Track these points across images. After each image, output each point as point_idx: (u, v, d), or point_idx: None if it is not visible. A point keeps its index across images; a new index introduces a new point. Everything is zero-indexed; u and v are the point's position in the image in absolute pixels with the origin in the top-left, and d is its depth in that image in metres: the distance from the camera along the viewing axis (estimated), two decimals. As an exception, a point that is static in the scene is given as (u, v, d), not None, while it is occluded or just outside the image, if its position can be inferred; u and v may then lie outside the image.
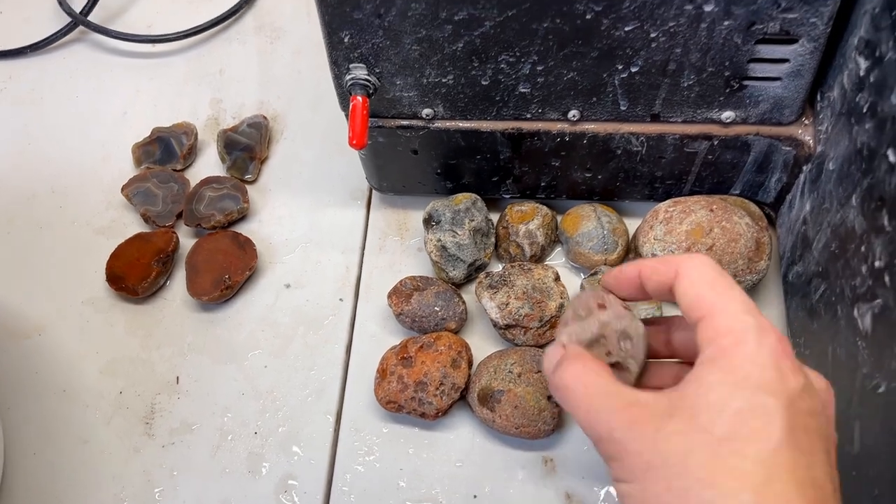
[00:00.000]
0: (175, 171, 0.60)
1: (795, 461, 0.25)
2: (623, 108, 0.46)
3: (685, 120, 0.46)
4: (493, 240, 0.54)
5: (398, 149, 0.51)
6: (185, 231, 0.58)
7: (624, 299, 0.36)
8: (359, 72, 0.45)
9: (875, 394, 0.35)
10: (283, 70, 0.66)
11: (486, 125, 0.48)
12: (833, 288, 0.41)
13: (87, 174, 0.62)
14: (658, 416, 0.28)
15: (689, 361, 0.35)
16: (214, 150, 0.62)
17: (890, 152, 0.34)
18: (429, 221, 0.53)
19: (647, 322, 0.36)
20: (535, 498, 0.47)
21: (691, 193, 0.53)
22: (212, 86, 0.65)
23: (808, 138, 0.46)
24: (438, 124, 0.49)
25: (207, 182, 0.58)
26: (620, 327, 0.35)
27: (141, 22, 0.69)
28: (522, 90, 0.45)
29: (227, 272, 0.54)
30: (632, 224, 0.54)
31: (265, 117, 0.62)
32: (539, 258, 0.54)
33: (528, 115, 0.47)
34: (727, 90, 0.44)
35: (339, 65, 0.45)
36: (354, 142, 0.45)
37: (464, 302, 0.51)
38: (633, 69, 0.43)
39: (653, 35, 0.41)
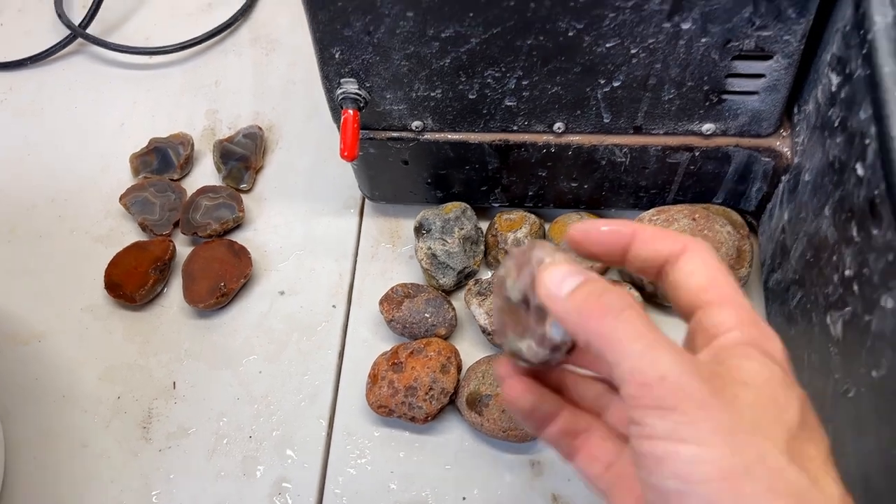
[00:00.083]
0: (172, 180, 0.61)
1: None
2: (606, 120, 0.47)
3: (667, 132, 0.48)
4: (482, 248, 0.55)
5: (389, 159, 0.53)
6: (182, 239, 0.59)
7: (592, 258, 0.31)
8: (349, 86, 0.46)
9: (846, 398, 0.37)
10: (278, 81, 0.67)
11: (474, 137, 0.50)
12: (808, 295, 0.43)
13: (86, 184, 0.63)
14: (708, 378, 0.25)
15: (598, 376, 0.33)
16: (210, 160, 0.63)
17: (858, 166, 0.36)
18: (419, 230, 0.54)
19: None
20: (522, 500, 0.48)
21: (675, 202, 0.54)
22: (208, 97, 0.67)
23: (786, 150, 0.47)
24: (428, 136, 0.50)
25: (203, 191, 0.60)
26: None
27: (139, 34, 0.71)
28: (508, 103, 0.47)
29: (223, 280, 0.55)
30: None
31: (260, 128, 0.63)
32: (527, 266, 0.55)
33: (515, 128, 0.49)
34: (707, 103, 0.45)
35: (330, 79, 0.47)
36: (346, 154, 0.46)
37: (453, 308, 0.53)
38: (615, 84, 0.44)
39: (633, 51, 0.42)
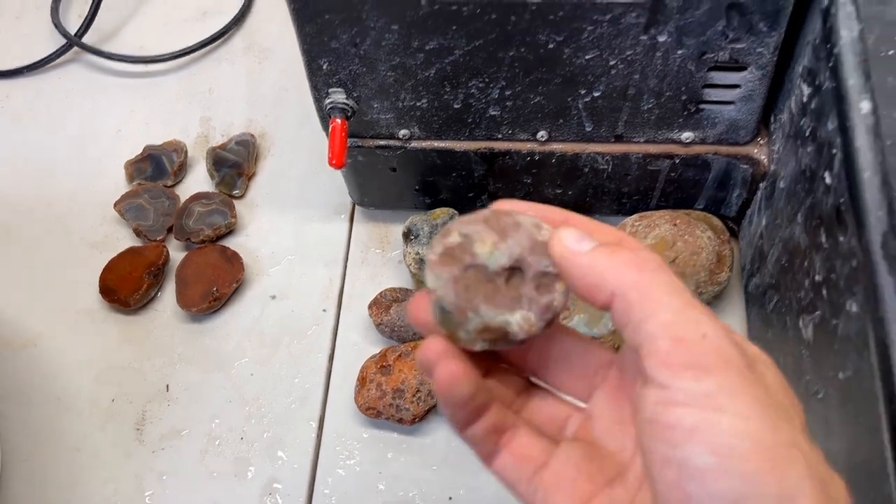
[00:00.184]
0: (166, 187, 0.63)
1: None
2: (588, 129, 0.48)
3: (647, 140, 0.49)
4: (469, 253, 0.56)
5: (378, 167, 0.54)
6: (176, 245, 0.61)
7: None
8: (337, 96, 0.48)
9: (816, 399, 0.38)
10: (271, 89, 0.68)
11: (459, 145, 0.51)
12: (783, 299, 0.44)
13: (82, 190, 0.65)
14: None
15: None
16: (204, 166, 0.64)
17: (826, 175, 0.37)
18: (408, 235, 0.55)
19: None
20: (508, 499, 0.49)
21: (658, 208, 0.55)
22: (202, 105, 0.68)
23: (763, 157, 0.48)
24: (415, 144, 0.51)
25: (197, 198, 0.61)
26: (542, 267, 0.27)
27: (134, 43, 0.72)
28: (493, 113, 0.48)
29: (216, 284, 0.56)
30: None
31: (253, 135, 0.64)
32: (513, 270, 0.56)
33: (500, 136, 0.50)
34: (685, 113, 0.47)
35: (318, 89, 0.48)
36: (333, 162, 0.47)
37: (441, 313, 0.54)
38: (596, 94, 0.46)
39: (612, 63, 0.43)
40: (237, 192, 0.62)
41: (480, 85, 0.46)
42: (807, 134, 0.40)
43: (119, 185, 0.64)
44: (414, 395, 0.50)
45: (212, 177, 0.63)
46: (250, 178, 0.63)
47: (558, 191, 0.55)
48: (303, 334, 0.57)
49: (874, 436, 0.30)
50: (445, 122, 0.49)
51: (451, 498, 0.50)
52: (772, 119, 0.47)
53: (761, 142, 0.49)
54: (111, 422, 0.54)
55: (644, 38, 0.41)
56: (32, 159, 0.67)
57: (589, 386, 0.29)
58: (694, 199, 0.54)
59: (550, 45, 0.43)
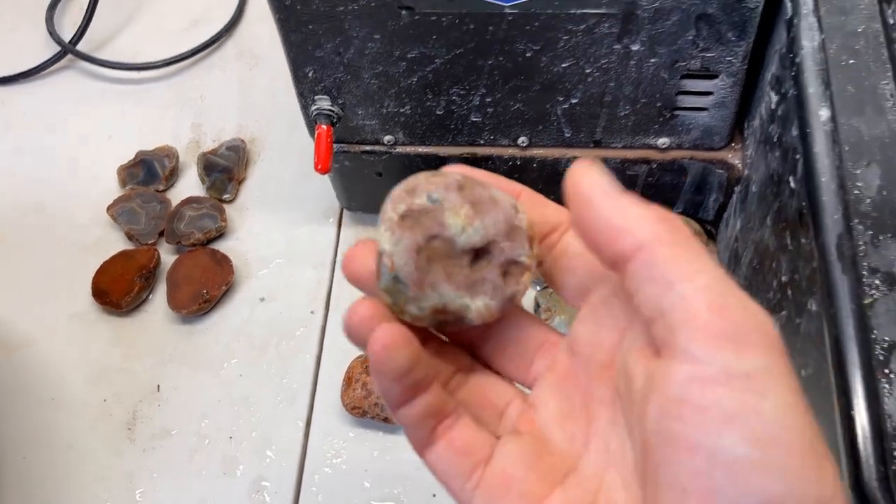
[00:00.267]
0: (157, 191, 0.64)
1: None
2: (567, 135, 0.50)
3: (625, 145, 0.50)
4: (453, 256, 0.58)
5: (364, 171, 0.55)
6: (167, 248, 0.62)
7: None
8: (323, 103, 0.49)
9: (783, 396, 0.39)
10: (261, 95, 0.70)
11: (443, 150, 0.52)
12: (755, 300, 0.45)
13: (75, 194, 0.66)
14: None
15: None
16: (195, 171, 0.65)
17: (791, 179, 0.38)
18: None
19: None
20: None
21: (638, 212, 0.57)
22: (193, 111, 0.69)
23: (737, 162, 0.50)
24: (399, 149, 0.53)
25: (188, 202, 0.62)
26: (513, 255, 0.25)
27: (127, 50, 0.73)
28: (474, 119, 0.49)
29: (205, 287, 0.58)
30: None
31: (243, 140, 0.66)
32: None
33: (482, 141, 0.51)
34: (660, 119, 0.48)
35: (305, 96, 0.49)
36: (319, 167, 0.49)
37: (425, 314, 0.55)
38: (573, 100, 0.47)
39: (588, 71, 0.45)
40: (227, 196, 0.63)
41: (461, 92, 0.47)
42: (774, 139, 0.42)
43: (112, 189, 0.65)
44: (398, 395, 0.51)
45: (203, 181, 0.64)
46: (240, 182, 0.65)
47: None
48: (291, 335, 0.58)
49: (831, 430, 0.31)
50: (429, 128, 0.51)
51: (434, 495, 0.51)
52: (745, 125, 0.49)
53: (736, 147, 0.50)
54: (103, 421, 0.55)
55: (618, 47, 0.43)
56: (27, 164, 0.68)
57: (530, 367, 0.27)
58: (672, 202, 0.55)
59: (528, 54, 0.44)
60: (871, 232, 0.32)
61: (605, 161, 0.51)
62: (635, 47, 0.43)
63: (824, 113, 0.35)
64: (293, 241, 0.62)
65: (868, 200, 0.33)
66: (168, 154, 0.65)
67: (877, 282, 0.31)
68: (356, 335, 0.24)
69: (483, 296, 0.25)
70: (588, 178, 0.22)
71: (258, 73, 0.71)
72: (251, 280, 0.60)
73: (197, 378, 0.57)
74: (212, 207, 0.62)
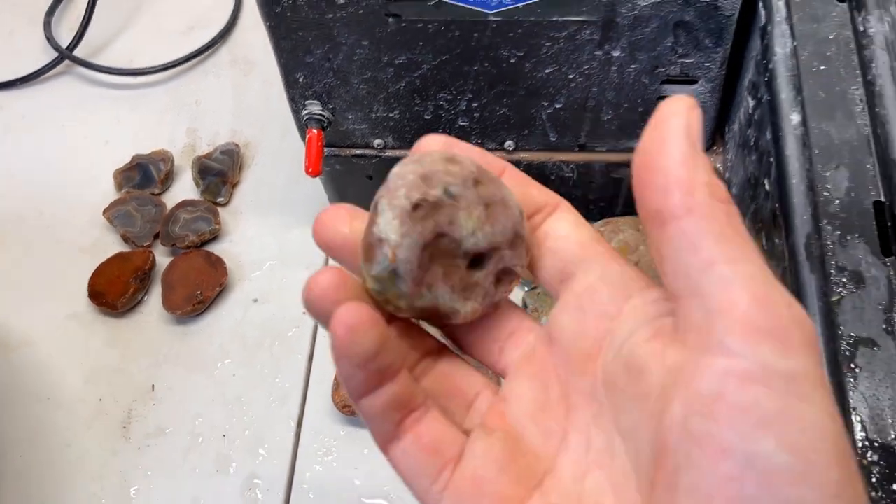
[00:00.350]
0: (153, 194, 0.65)
1: None
2: (553, 139, 0.51)
3: (609, 149, 0.52)
4: (443, 257, 0.59)
5: (355, 175, 0.56)
6: (162, 250, 0.63)
7: None
8: (314, 108, 0.50)
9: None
10: (256, 100, 0.71)
11: (431, 154, 0.53)
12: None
13: (72, 197, 0.67)
14: None
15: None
16: (190, 175, 0.66)
17: (766, 182, 0.39)
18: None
19: None
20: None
21: (624, 214, 0.58)
22: (189, 115, 0.71)
23: (718, 165, 0.51)
24: (389, 153, 0.54)
25: (182, 205, 0.63)
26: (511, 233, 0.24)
27: (123, 56, 0.74)
28: (462, 123, 0.50)
29: (200, 288, 0.59)
30: (571, 242, 0.59)
31: (237, 145, 0.67)
32: (485, 274, 0.59)
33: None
34: (643, 123, 0.49)
35: (296, 101, 0.50)
36: (310, 170, 0.50)
37: (415, 315, 0.56)
38: (558, 105, 0.48)
39: (571, 76, 0.46)
40: (222, 199, 0.64)
41: (448, 97, 0.48)
42: (751, 143, 0.43)
43: (108, 192, 0.66)
44: (388, 393, 0.52)
45: (197, 185, 0.65)
46: (235, 185, 0.66)
47: (528, 198, 0.57)
48: (283, 336, 0.59)
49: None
50: (417, 132, 0.52)
51: (423, 492, 0.52)
52: (726, 129, 0.50)
53: (717, 151, 0.51)
54: (98, 420, 0.56)
55: (599, 53, 0.44)
56: (25, 168, 0.69)
57: (501, 353, 0.25)
58: (657, 205, 0.56)
59: (512, 60, 0.45)
60: (838, 232, 0.33)
61: (591, 164, 0.53)
62: (616, 53, 0.44)
63: (795, 117, 0.36)
64: (286, 244, 0.63)
65: (837, 202, 0.34)
66: (164, 158, 0.66)
67: (844, 280, 0.32)
68: (317, 309, 0.22)
69: (473, 301, 0.24)
70: (679, 118, 0.20)
71: (252, 78, 0.72)
72: (244, 282, 0.61)
73: (191, 378, 0.58)
74: (206, 210, 0.63)
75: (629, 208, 0.57)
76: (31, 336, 0.60)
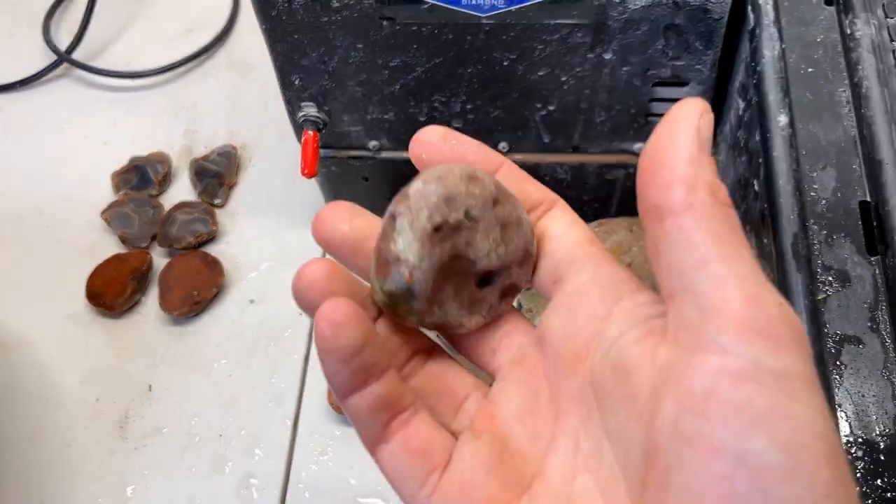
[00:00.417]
0: (151, 196, 0.65)
1: None
2: (546, 140, 0.51)
3: (602, 151, 0.52)
4: (438, 258, 0.59)
5: (350, 176, 0.57)
6: (159, 251, 0.63)
7: None
8: (309, 110, 0.50)
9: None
10: (253, 103, 0.71)
11: (426, 156, 0.54)
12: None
13: (71, 199, 0.67)
14: None
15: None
16: (187, 177, 0.67)
17: (755, 182, 0.40)
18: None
19: None
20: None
21: (617, 215, 0.58)
22: (186, 118, 0.71)
23: (710, 167, 0.51)
24: (385, 155, 0.54)
25: (180, 207, 0.64)
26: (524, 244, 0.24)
27: (121, 59, 0.75)
28: (456, 125, 0.51)
29: (196, 289, 0.59)
30: (565, 243, 0.60)
31: (234, 147, 0.67)
32: (480, 275, 0.59)
33: (464, 147, 0.53)
34: (635, 125, 0.49)
35: (292, 104, 0.51)
36: (305, 171, 0.50)
37: (410, 315, 0.57)
38: (551, 107, 0.49)
39: (563, 79, 0.46)
40: (218, 201, 0.65)
41: (443, 99, 0.49)
42: (742, 145, 0.43)
43: (106, 194, 0.67)
44: (383, 393, 0.53)
45: (194, 186, 0.66)
46: (231, 187, 0.66)
47: (522, 199, 0.57)
48: (280, 337, 0.59)
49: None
50: (412, 133, 0.51)
51: (418, 491, 0.52)
52: (717, 131, 0.50)
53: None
54: (96, 420, 0.57)
55: (591, 55, 0.44)
56: (24, 170, 0.70)
57: (494, 354, 0.25)
58: (650, 206, 0.57)
59: (505, 63, 0.46)
60: (825, 232, 0.33)
61: (584, 166, 0.53)
62: (608, 56, 0.44)
63: (783, 119, 0.36)
64: (282, 245, 0.63)
65: (823, 202, 0.34)
66: (161, 160, 0.67)
67: (830, 279, 0.32)
68: (305, 300, 0.22)
69: (479, 315, 0.25)
70: (691, 119, 0.19)
71: (249, 81, 0.73)
72: (241, 283, 0.62)
73: (188, 378, 0.58)
74: (203, 212, 0.63)
75: (623, 210, 0.58)
76: (29, 336, 0.61)
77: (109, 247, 0.64)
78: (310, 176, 0.50)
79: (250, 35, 0.76)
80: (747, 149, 0.42)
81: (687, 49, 0.43)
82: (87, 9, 0.72)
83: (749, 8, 0.41)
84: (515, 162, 0.54)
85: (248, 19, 0.77)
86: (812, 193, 0.34)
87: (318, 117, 0.51)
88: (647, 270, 0.53)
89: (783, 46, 0.38)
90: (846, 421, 0.29)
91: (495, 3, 0.42)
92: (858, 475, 0.28)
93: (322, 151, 0.53)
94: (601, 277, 0.23)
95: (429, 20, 0.43)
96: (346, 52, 0.46)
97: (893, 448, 0.29)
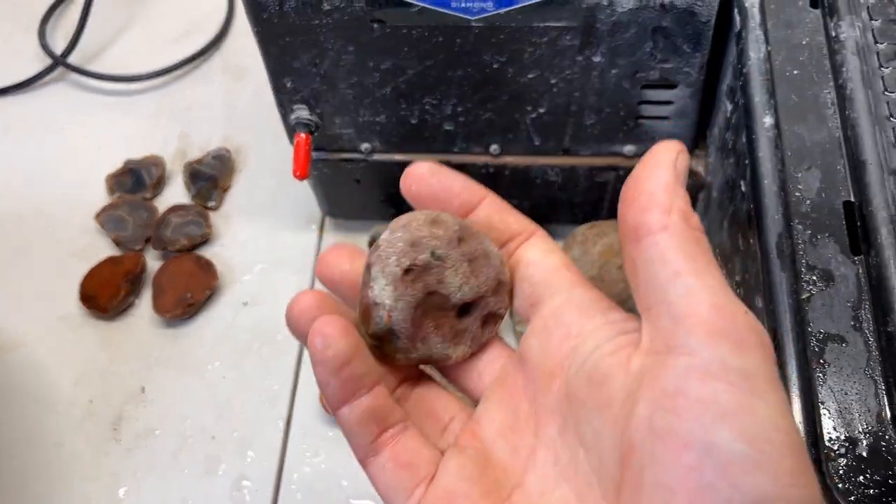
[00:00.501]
0: (145, 199, 0.66)
1: None
2: (537, 143, 0.52)
3: (593, 153, 0.52)
4: (431, 261, 0.60)
5: (343, 178, 0.57)
6: (153, 254, 0.63)
7: (431, 205, 0.27)
8: (301, 112, 0.51)
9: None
10: (247, 106, 0.72)
11: (418, 158, 0.54)
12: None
13: (65, 202, 0.68)
14: None
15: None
16: (181, 180, 0.67)
17: (742, 183, 0.40)
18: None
19: None
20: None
21: (609, 217, 0.59)
22: (181, 121, 0.71)
23: (700, 169, 0.52)
24: (377, 157, 0.54)
25: (174, 210, 0.64)
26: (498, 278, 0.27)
27: (117, 63, 0.75)
28: (447, 128, 0.51)
29: (190, 291, 0.59)
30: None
31: (228, 150, 0.68)
32: (472, 277, 0.59)
33: (456, 149, 0.53)
34: (625, 127, 0.50)
35: (284, 106, 0.51)
36: (297, 173, 0.50)
37: (402, 317, 0.57)
38: (541, 110, 0.49)
39: (553, 81, 0.47)
40: (212, 203, 0.65)
41: (434, 102, 0.49)
42: (729, 146, 0.43)
43: (100, 197, 0.67)
44: (374, 394, 0.53)
45: (188, 189, 0.66)
46: (225, 190, 0.67)
47: (514, 201, 0.57)
48: (273, 339, 0.59)
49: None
50: (404, 136, 0.52)
51: (410, 492, 0.52)
52: (707, 133, 0.51)
53: (699, 154, 0.52)
54: (89, 422, 0.57)
55: (580, 58, 0.45)
56: (19, 172, 0.70)
57: (480, 378, 0.27)
58: (641, 208, 0.57)
59: (495, 65, 0.46)
60: (809, 231, 0.34)
61: (575, 168, 0.53)
62: (597, 59, 0.45)
63: (768, 120, 0.37)
64: (276, 248, 0.63)
65: (808, 202, 0.34)
66: (155, 163, 0.67)
67: (814, 278, 0.33)
68: (297, 327, 0.24)
69: (463, 345, 0.27)
70: (669, 154, 0.22)
71: (244, 85, 0.73)
72: (235, 285, 0.62)
73: (181, 380, 0.58)
74: (197, 215, 0.64)
75: (614, 212, 0.58)
76: (22, 338, 0.61)
77: (103, 249, 0.64)
78: (302, 178, 0.50)
79: (245, 39, 0.76)
80: (735, 150, 0.42)
81: (675, 52, 0.43)
82: (82, 13, 0.72)
83: (735, 11, 0.41)
84: (507, 164, 0.55)
85: (243, 23, 0.77)
86: (797, 194, 0.35)
87: (311, 120, 0.51)
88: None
89: (769, 49, 0.38)
90: (829, 418, 0.30)
91: (484, 6, 0.42)
92: (841, 472, 0.29)
93: (314, 154, 0.54)
94: (575, 299, 0.25)
95: (419, 23, 0.44)
96: (338, 54, 0.46)
97: (875, 445, 0.29)
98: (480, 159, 0.54)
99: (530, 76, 0.46)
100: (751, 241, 0.38)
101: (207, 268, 0.60)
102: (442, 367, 0.28)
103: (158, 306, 0.59)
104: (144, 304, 0.61)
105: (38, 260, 0.65)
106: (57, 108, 0.74)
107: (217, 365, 0.59)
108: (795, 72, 0.38)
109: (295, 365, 0.58)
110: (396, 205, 0.60)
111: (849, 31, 0.38)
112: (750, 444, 0.18)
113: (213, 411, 0.57)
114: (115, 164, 0.68)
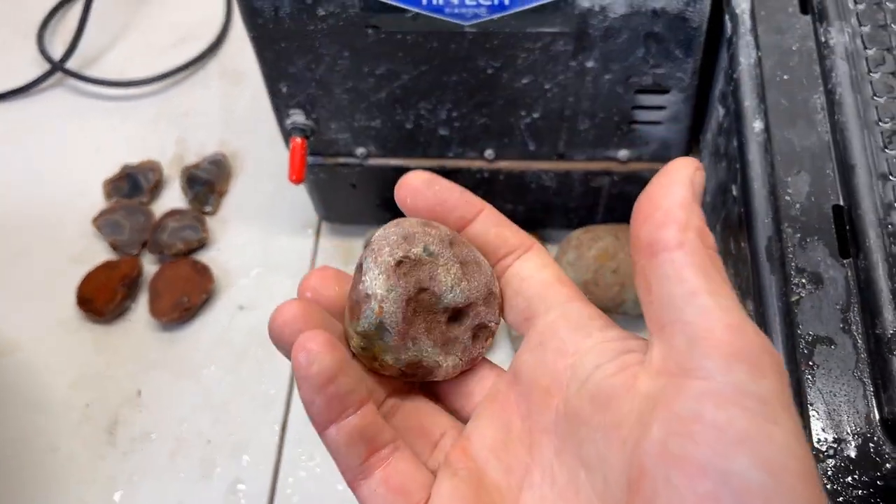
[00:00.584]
0: (142, 204, 0.66)
1: None
2: (532, 148, 0.52)
3: (587, 158, 0.53)
4: (426, 265, 0.60)
5: (339, 183, 0.57)
6: (150, 258, 0.64)
7: (429, 216, 0.26)
8: (297, 117, 0.51)
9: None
10: (244, 111, 0.72)
11: (413, 163, 0.54)
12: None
13: (63, 207, 0.68)
14: None
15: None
16: (178, 184, 0.67)
17: (733, 187, 0.40)
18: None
19: None
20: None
21: (603, 222, 0.59)
22: (178, 126, 0.72)
23: (693, 174, 0.52)
24: (372, 162, 0.55)
25: (171, 214, 0.64)
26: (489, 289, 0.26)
27: (115, 68, 0.76)
28: (442, 133, 0.52)
29: (186, 295, 0.60)
30: (554, 250, 0.60)
31: (225, 155, 0.68)
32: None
33: (451, 154, 0.54)
34: (619, 132, 0.50)
35: (280, 111, 0.51)
36: (293, 177, 0.51)
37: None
38: (535, 115, 0.49)
39: (547, 86, 0.47)
40: (209, 208, 0.65)
41: (429, 107, 0.49)
42: (721, 151, 0.44)
43: (97, 202, 0.67)
44: (370, 398, 0.53)
45: (185, 194, 0.66)
46: (222, 195, 0.67)
47: (509, 206, 0.58)
48: (268, 343, 0.58)
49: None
50: (399, 141, 0.53)
51: (405, 495, 0.52)
52: (700, 138, 0.51)
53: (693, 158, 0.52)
54: (85, 425, 0.57)
55: (573, 63, 0.45)
56: (17, 177, 0.70)
57: (471, 396, 0.26)
58: (636, 213, 0.57)
59: (489, 71, 0.46)
60: (799, 235, 0.34)
61: (570, 173, 0.54)
62: (590, 64, 0.45)
63: (758, 125, 0.37)
64: (272, 252, 0.64)
65: (797, 206, 0.35)
66: (152, 168, 0.67)
67: (803, 281, 0.33)
68: (280, 338, 0.23)
69: (454, 355, 0.26)
70: (685, 170, 0.22)
71: (241, 90, 0.73)
72: (231, 289, 0.62)
73: (177, 384, 0.58)
74: (194, 219, 0.64)
75: (609, 216, 0.58)
76: (19, 342, 0.61)
77: (100, 253, 0.65)
78: (297, 182, 0.50)
79: (242, 45, 0.76)
80: (727, 155, 0.42)
81: (667, 57, 0.44)
82: (81, 19, 0.73)
83: (727, 16, 0.42)
84: (502, 169, 0.55)
85: (240, 29, 0.77)
86: (786, 197, 0.35)
87: (306, 124, 0.51)
88: (631, 276, 0.54)
89: (759, 54, 0.39)
90: (818, 419, 0.30)
91: (478, 12, 0.42)
92: (829, 473, 0.29)
93: (310, 159, 0.54)
94: (570, 314, 0.25)
95: (413, 28, 0.44)
96: (333, 59, 0.47)
97: (864, 447, 0.29)
98: (475, 164, 0.54)
99: (524, 81, 0.47)
100: (742, 244, 0.38)
101: (204, 272, 0.61)
102: (431, 384, 0.27)
103: (155, 310, 0.60)
104: (141, 307, 0.62)
105: (35, 264, 0.65)
106: (55, 114, 0.74)
107: (213, 369, 0.59)
108: (785, 77, 0.38)
109: (290, 369, 0.58)
110: (392, 209, 0.60)
111: (838, 36, 0.38)
112: (767, 471, 0.17)
113: (208, 415, 0.57)
114: (113, 169, 0.68)
